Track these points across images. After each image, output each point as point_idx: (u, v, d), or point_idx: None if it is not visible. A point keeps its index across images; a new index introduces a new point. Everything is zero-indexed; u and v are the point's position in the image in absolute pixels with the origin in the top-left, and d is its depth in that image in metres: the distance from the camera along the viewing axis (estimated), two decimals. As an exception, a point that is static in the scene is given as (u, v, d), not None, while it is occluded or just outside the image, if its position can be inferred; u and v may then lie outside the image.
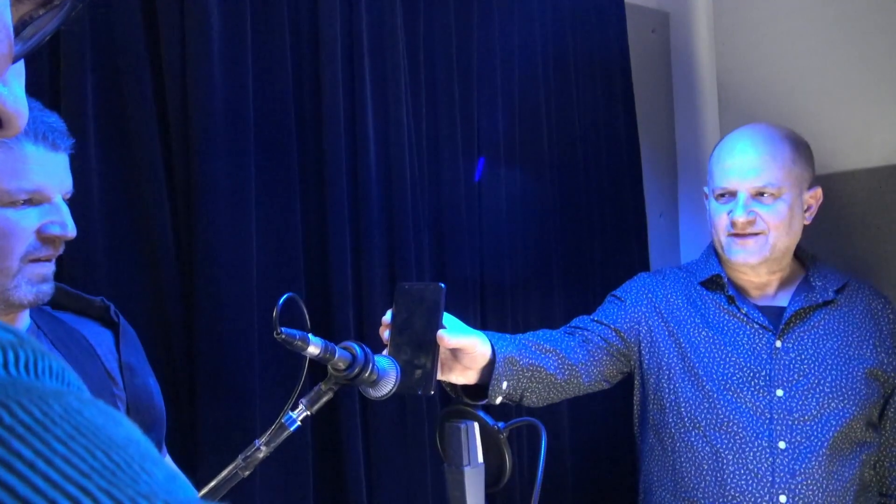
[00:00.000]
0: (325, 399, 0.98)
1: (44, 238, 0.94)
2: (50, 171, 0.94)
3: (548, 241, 1.92)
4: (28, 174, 0.92)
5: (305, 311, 0.95)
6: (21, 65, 0.36)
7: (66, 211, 0.96)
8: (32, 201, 0.93)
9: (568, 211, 1.98)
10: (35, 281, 0.94)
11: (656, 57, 2.32)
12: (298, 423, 0.96)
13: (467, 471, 1.09)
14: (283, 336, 0.89)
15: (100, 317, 1.11)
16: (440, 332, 1.11)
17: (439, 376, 1.16)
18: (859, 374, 1.44)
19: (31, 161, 0.92)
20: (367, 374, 0.97)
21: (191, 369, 1.34)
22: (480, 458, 1.11)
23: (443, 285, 1.11)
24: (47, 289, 0.96)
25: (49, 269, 0.97)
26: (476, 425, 1.12)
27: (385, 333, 1.15)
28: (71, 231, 0.96)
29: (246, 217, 1.38)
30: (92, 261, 1.25)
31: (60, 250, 0.98)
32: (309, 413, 0.97)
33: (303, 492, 1.43)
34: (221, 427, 1.33)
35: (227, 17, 1.37)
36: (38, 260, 0.94)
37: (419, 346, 1.11)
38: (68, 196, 0.98)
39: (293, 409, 0.96)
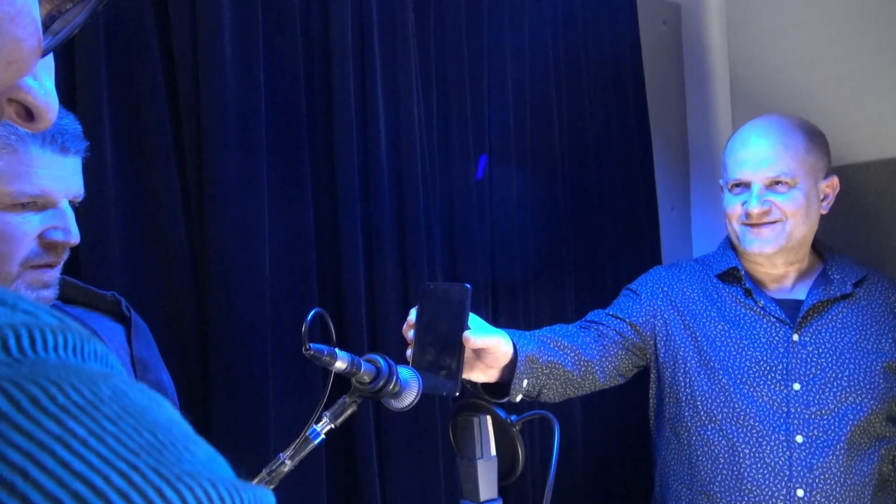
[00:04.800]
0: (349, 412, 0.98)
1: (45, 244, 0.91)
2: (56, 174, 0.90)
3: (559, 237, 1.92)
4: (32, 177, 0.88)
5: (332, 327, 0.96)
6: (50, 59, 0.36)
7: (70, 216, 0.92)
8: (36, 205, 0.90)
9: (579, 205, 1.97)
10: (35, 286, 0.91)
11: (668, 49, 2.30)
12: (323, 436, 0.97)
13: (480, 464, 1.09)
14: (312, 352, 0.90)
15: (111, 311, 1.09)
16: (466, 333, 1.11)
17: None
18: (878, 368, 1.43)
19: (36, 164, 0.88)
20: (390, 387, 0.98)
21: (204, 365, 1.34)
22: (493, 451, 1.11)
23: (469, 286, 1.11)
24: (49, 294, 0.93)
25: (51, 275, 0.92)
26: (489, 418, 1.12)
27: (409, 333, 1.15)
28: (74, 238, 0.92)
29: (258, 214, 1.39)
30: (106, 257, 1.25)
31: (64, 257, 0.94)
32: (333, 426, 0.97)
33: (316, 484, 1.43)
34: (235, 423, 1.34)
35: (238, 16, 1.37)
36: (38, 266, 0.90)
37: (444, 347, 1.11)
38: (78, 200, 0.95)
39: (317, 422, 0.97)
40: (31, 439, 0.19)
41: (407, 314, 1.18)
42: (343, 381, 0.99)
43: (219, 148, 1.34)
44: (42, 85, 0.36)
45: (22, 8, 0.32)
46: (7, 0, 0.31)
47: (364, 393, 0.97)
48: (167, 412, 0.25)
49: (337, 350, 0.92)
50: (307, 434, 0.96)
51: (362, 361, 0.96)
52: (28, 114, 0.36)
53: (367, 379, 0.96)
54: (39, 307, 0.24)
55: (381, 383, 0.96)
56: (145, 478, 0.21)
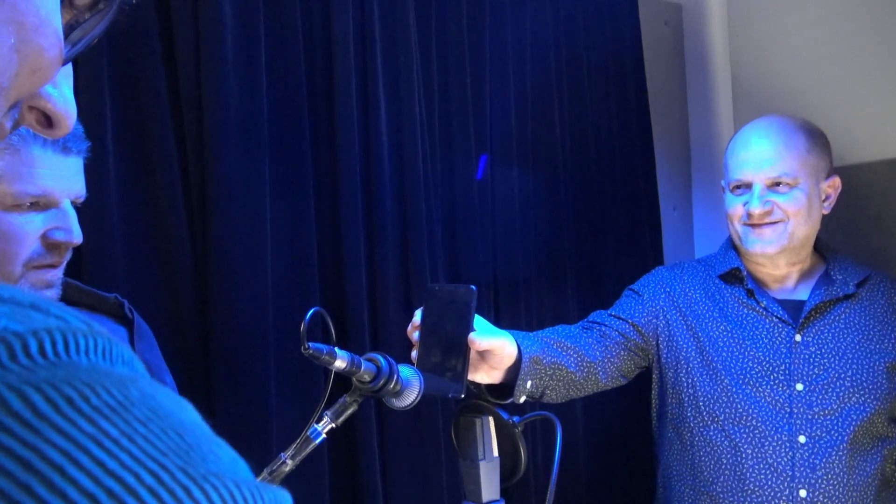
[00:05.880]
0: (350, 411, 0.98)
1: (48, 244, 0.91)
2: (58, 175, 0.90)
3: (561, 237, 1.92)
4: (34, 178, 0.88)
5: (332, 326, 0.95)
6: (69, 67, 0.37)
7: (73, 216, 0.92)
8: (39, 206, 0.90)
9: (581, 206, 1.97)
10: (38, 287, 0.91)
11: (669, 50, 2.30)
12: (324, 435, 0.96)
13: (482, 464, 1.09)
14: (311, 351, 0.89)
15: (113, 313, 1.09)
16: (471, 335, 1.10)
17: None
18: (880, 368, 1.43)
19: (37, 165, 0.88)
20: (391, 386, 0.97)
21: (206, 365, 1.35)
22: (495, 452, 1.11)
23: (474, 288, 1.10)
24: (52, 294, 0.93)
25: (54, 275, 0.93)
26: (491, 419, 1.12)
27: (414, 334, 1.15)
28: (76, 237, 0.92)
29: (260, 215, 1.39)
30: (109, 257, 1.25)
31: (66, 257, 0.94)
32: (334, 426, 0.97)
33: (318, 485, 1.43)
34: (237, 423, 1.34)
35: (240, 17, 1.38)
36: (41, 267, 0.91)
37: (450, 349, 1.10)
38: (80, 201, 0.95)
39: (318, 421, 0.96)
40: (68, 438, 0.20)
41: (409, 314, 1.18)
42: (346, 380, 0.99)
43: (221, 148, 1.34)
44: (61, 93, 0.37)
45: (46, 19, 0.33)
46: (32, 11, 0.32)
47: (365, 392, 0.97)
48: (191, 415, 0.26)
49: (336, 349, 0.92)
50: (308, 433, 0.96)
51: (362, 360, 0.95)
52: (47, 121, 0.37)
53: (367, 378, 0.95)
54: (68, 312, 0.25)
55: (382, 382, 0.96)
56: (174, 477, 0.22)
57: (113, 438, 0.21)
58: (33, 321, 0.23)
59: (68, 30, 0.35)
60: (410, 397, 1.00)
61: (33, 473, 0.19)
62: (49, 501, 0.19)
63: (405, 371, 1.00)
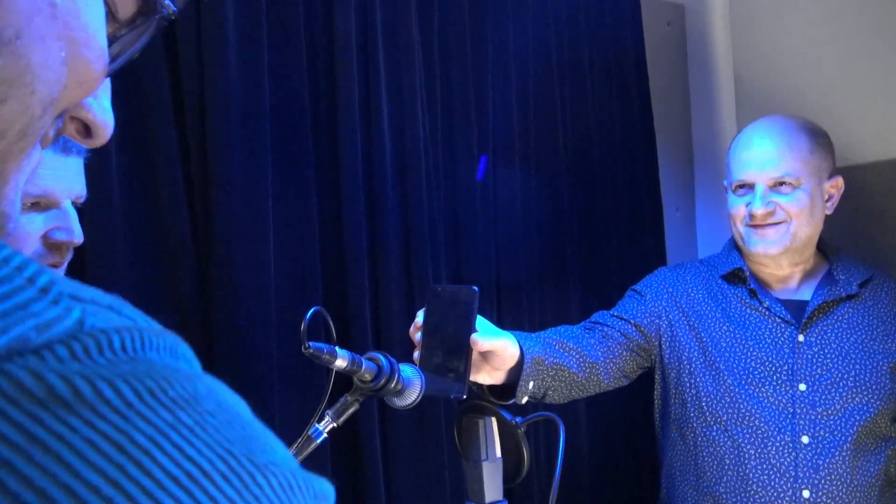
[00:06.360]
0: (351, 410, 0.98)
1: (49, 244, 0.91)
2: (58, 174, 0.90)
3: (564, 238, 1.92)
4: (34, 178, 0.88)
5: (332, 325, 0.95)
6: (107, 80, 0.39)
7: (73, 216, 0.92)
8: (39, 206, 0.90)
9: (584, 206, 1.97)
10: None
11: (672, 50, 2.30)
12: (325, 435, 0.96)
13: (485, 465, 1.09)
14: (312, 350, 0.89)
15: None
16: (473, 336, 1.10)
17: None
18: (884, 368, 1.42)
19: (38, 165, 0.89)
20: (392, 385, 0.97)
21: (209, 365, 1.34)
22: (498, 453, 1.11)
23: (476, 289, 1.10)
24: None
25: None
26: (494, 420, 1.12)
27: (416, 335, 1.15)
28: (77, 237, 0.92)
29: (262, 215, 1.39)
30: (111, 258, 1.25)
31: (68, 257, 0.94)
32: (336, 425, 0.97)
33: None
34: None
35: (242, 18, 1.38)
36: None
37: (452, 350, 1.10)
38: (81, 201, 0.95)
39: (319, 420, 0.96)
40: (151, 425, 0.22)
41: (411, 314, 1.18)
42: (348, 380, 0.99)
43: (223, 149, 1.34)
44: (101, 104, 0.39)
45: (93, 34, 0.35)
46: (82, 27, 0.34)
47: (366, 391, 0.97)
48: (246, 410, 0.28)
49: (337, 348, 0.92)
50: (309, 433, 0.96)
51: (363, 360, 0.95)
52: (86, 130, 0.40)
53: (368, 377, 0.95)
54: (137, 314, 0.27)
55: (383, 381, 0.96)
56: (241, 463, 0.24)
57: (188, 427, 0.23)
58: (112, 320, 0.25)
59: (108, 43, 0.37)
60: (412, 396, 1.00)
61: (126, 455, 0.21)
62: (140, 481, 0.21)
63: (406, 370, 1.00)
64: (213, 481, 0.23)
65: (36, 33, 0.32)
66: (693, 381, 1.50)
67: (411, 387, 1.00)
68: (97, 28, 0.36)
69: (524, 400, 1.28)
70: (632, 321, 1.53)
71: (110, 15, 0.37)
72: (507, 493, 1.12)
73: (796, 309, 1.49)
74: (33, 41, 0.32)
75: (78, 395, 0.21)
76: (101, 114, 0.39)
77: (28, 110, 0.34)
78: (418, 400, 1.00)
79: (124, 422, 0.22)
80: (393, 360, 0.98)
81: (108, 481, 0.20)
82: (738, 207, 1.50)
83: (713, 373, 1.48)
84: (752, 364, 1.46)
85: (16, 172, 0.36)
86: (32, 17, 0.32)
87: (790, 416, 1.41)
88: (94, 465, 0.20)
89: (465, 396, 1.08)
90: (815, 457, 1.38)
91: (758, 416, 1.43)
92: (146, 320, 0.27)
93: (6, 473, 0.19)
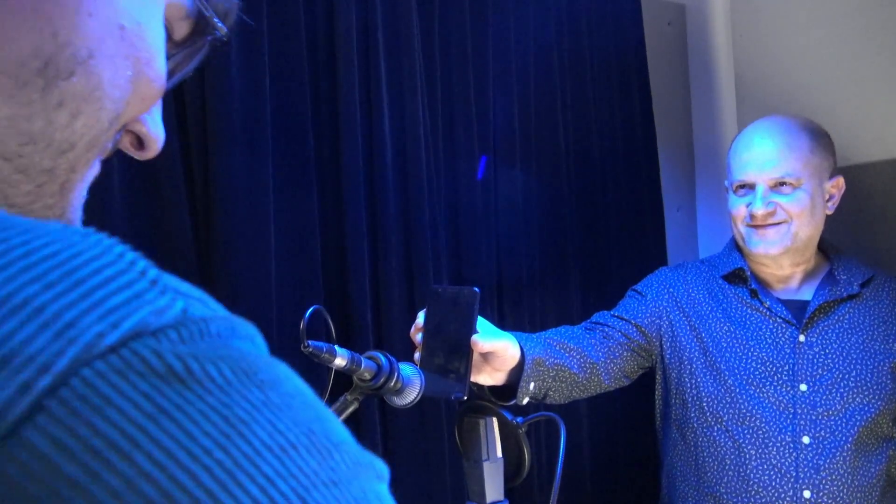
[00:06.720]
0: (350, 409, 0.98)
1: None
2: None
3: (565, 237, 1.92)
4: None
5: (331, 324, 0.95)
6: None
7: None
8: None
9: (585, 206, 1.97)
10: None
11: (672, 50, 2.30)
12: None
13: (486, 465, 1.09)
14: (311, 349, 0.89)
15: None
16: (474, 337, 1.10)
17: None
18: (885, 368, 1.42)
19: None
20: (392, 384, 0.97)
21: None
22: (499, 453, 1.11)
23: (477, 290, 1.10)
24: None
25: None
26: (494, 420, 1.12)
27: (417, 336, 1.15)
28: None
29: (264, 216, 1.39)
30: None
31: None
32: None
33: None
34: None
35: (243, 18, 1.38)
36: None
37: (453, 351, 1.10)
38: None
39: None
40: (248, 401, 0.26)
41: (412, 314, 1.18)
42: (348, 379, 0.99)
43: (224, 150, 1.34)
44: (154, 118, 0.43)
45: (156, 54, 0.39)
46: (146, 47, 0.38)
47: (366, 390, 0.97)
48: (314, 395, 0.31)
49: (336, 347, 0.92)
50: None
51: (363, 358, 0.95)
52: (139, 143, 0.44)
53: (367, 376, 0.95)
54: (219, 305, 0.30)
55: (383, 380, 0.96)
56: (320, 440, 0.27)
57: (276, 405, 0.26)
58: (204, 310, 0.27)
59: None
60: (411, 395, 1.00)
61: (230, 426, 0.24)
62: (242, 448, 0.24)
63: (406, 369, 1.00)
64: (300, 453, 0.26)
65: (107, 53, 0.36)
66: (694, 381, 1.50)
67: (411, 386, 1.00)
68: (158, 49, 0.39)
69: (525, 401, 1.28)
70: (632, 321, 1.53)
71: (167, 35, 0.41)
72: (508, 492, 1.12)
73: (797, 309, 1.49)
74: (105, 60, 0.36)
75: (190, 372, 0.25)
76: (155, 128, 0.43)
77: (97, 124, 0.37)
78: (418, 399, 1.00)
79: (227, 397, 0.25)
80: (392, 359, 0.98)
81: (218, 446, 0.24)
82: (739, 208, 1.50)
83: (714, 373, 1.48)
84: (753, 364, 1.46)
85: (80, 182, 0.39)
86: (105, 38, 0.36)
87: (791, 416, 1.41)
88: (207, 432, 0.24)
89: (465, 397, 1.09)
90: (816, 457, 1.38)
91: (759, 416, 1.43)
92: (227, 312, 0.30)
93: (141, 435, 0.23)
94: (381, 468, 0.30)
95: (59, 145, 0.36)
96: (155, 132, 0.43)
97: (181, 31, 0.43)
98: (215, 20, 0.45)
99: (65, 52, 0.34)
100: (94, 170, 0.40)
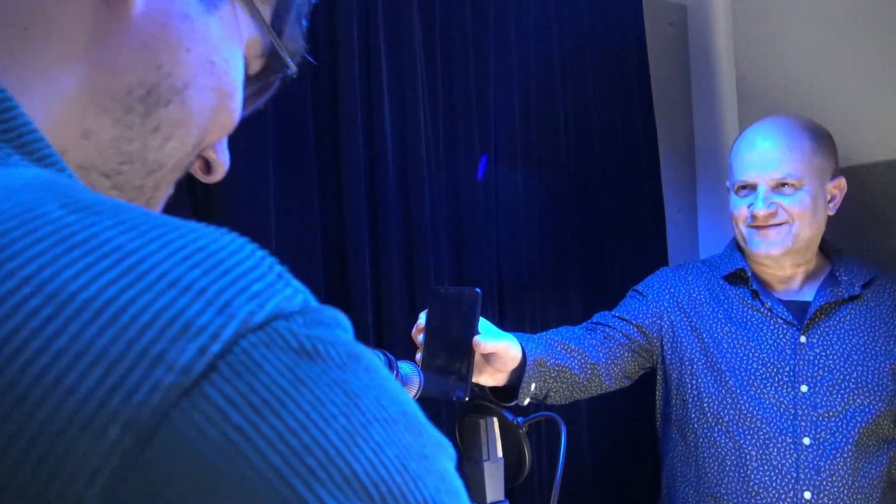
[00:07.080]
0: None
1: None
2: None
3: (566, 238, 1.91)
4: None
5: None
6: None
7: None
8: None
9: (585, 207, 1.97)
10: None
11: (674, 50, 2.30)
12: None
13: (487, 465, 1.09)
14: None
15: None
16: (476, 338, 1.10)
17: None
18: (886, 369, 1.42)
19: None
20: None
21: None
22: (500, 453, 1.11)
23: (479, 290, 1.10)
24: None
25: None
26: (495, 420, 1.12)
27: (419, 337, 1.15)
28: None
29: (265, 216, 1.39)
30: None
31: None
32: None
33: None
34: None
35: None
36: None
37: (454, 351, 1.11)
38: None
39: None
40: (359, 380, 0.30)
41: (413, 314, 1.18)
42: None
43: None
44: (222, 145, 0.48)
45: (236, 87, 0.44)
46: (229, 81, 0.43)
47: None
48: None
49: None
50: None
51: None
52: (207, 167, 0.48)
53: None
54: (316, 300, 0.34)
55: None
56: (412, 418, 0.31)
57: (378, 386, 0.30)
58: (317, 302, 0.31)
59: None
60: (410, 393, 1.00)
61: (349, 398, 0.29)
62: (357, 416, 0.28)
63: (405, 367, 1.01)
64: (399, 428, 0.30)
65: (199, 85, 0.41)
66: (694, 381, 1.50)
67: (409, 384, 1.00)
68: (239, 83, 0.44)
69: (526, 401, 1.28)
70: (633, 322, 1.52)
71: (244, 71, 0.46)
72: (509, 492, 1.12)
73: (798, 310, 1.49)
74: (197, 91, 0.41)
75: (316, 350, 0.29)
76: (222, 154, 0.48)
77: (183, 148, 0.42)
78: (417, 397, 1.00)
79: (344, 374, 0.29)
80: (391, 357, 0.99)
81: (342, 413, 0.28)
82: (741, 208, 1.49)
83: (715, 373, 1.48)
84: (754, 365, 1.46)
85: (161, 200, 0.43)
86: (198, 72, 0.41)
87: (792, 417, 1.41)
88: (333, 401, 0.28)
89: (467, 398, 1.09)
90: (817, 458, 1.38)
91: (759, 417, 1.43)
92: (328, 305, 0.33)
93: (286, 397, 0.27)
94: (452, 452, 0.34)
95: (150, 165, 0.41)
96: (223, 158, 0.48)
97: (255, 67, 0.47)
98: (287, 59, 0.49)
99: (166, 83, 0.39)
100: (171, 189, 0.44)
